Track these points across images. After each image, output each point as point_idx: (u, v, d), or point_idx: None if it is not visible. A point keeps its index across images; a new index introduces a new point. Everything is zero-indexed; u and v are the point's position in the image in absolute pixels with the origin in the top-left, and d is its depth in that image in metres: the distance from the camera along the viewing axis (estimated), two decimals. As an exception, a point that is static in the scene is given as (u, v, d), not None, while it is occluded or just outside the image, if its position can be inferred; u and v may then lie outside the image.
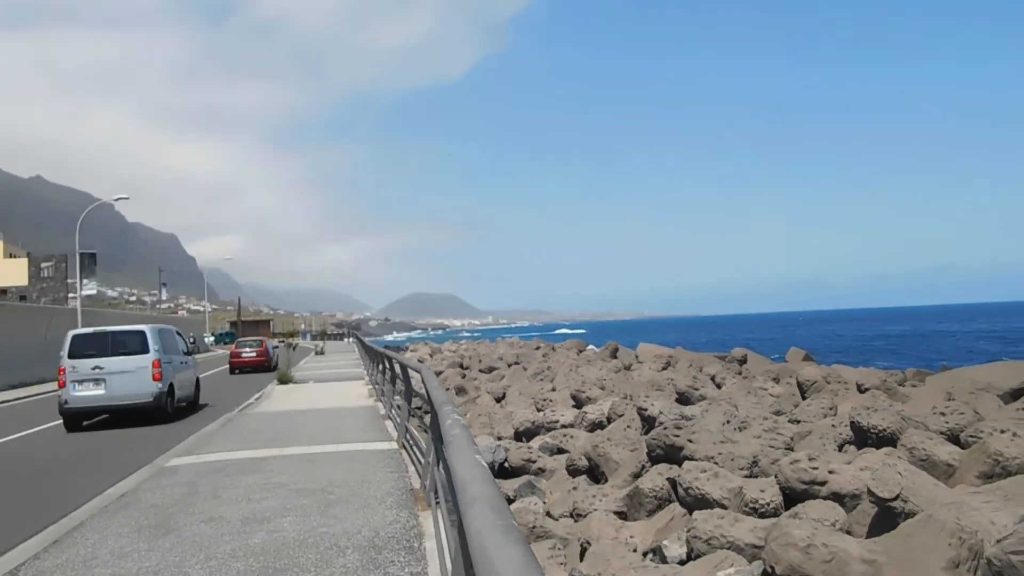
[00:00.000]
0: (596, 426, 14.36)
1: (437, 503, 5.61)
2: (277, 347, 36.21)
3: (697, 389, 16.23)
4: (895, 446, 9.43)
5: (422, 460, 7.64)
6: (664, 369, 23.24)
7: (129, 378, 15.09)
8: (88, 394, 14.93)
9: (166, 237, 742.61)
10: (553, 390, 19.49)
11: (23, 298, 59.70)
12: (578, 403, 17.07)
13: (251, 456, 10.18)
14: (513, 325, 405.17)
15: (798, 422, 12.60)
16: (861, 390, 15.95)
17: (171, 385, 16.01)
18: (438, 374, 23.20)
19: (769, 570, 6.51)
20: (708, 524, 7.38)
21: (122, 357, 15.21)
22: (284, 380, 23.68)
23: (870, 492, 7.37)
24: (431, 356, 44.30)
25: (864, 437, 10.32)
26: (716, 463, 9.50)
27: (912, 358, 48.04)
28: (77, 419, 15.15)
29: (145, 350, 15.38)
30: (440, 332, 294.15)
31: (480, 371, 30.98)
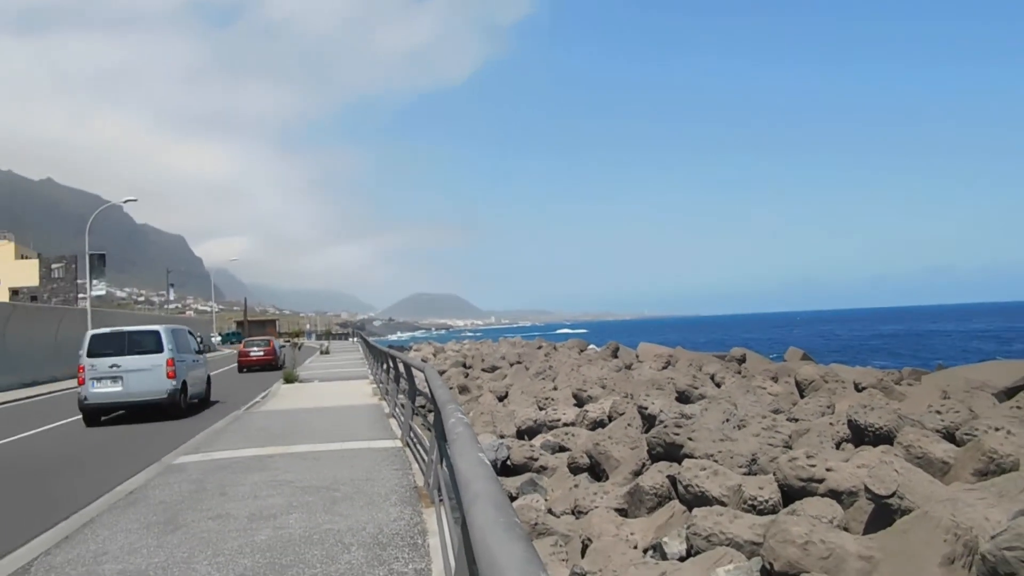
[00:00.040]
0: (597, 424, 14.45)
1: (441, 500, 5.70)
2: (283, 347, 36.38)
3: (697, 388, 16.30)
4: (891, 444, 9.47)
5: (426, 458, 7.71)
6: (664, 368, 23.29)
7: (145, 376, 15.72)
8: (106, 391, 15.58)
9: (174, 238, 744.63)
10: (555, 389, 19.58)
11: (34, 299, 59.99)
12: (579, 402, 17.16)
13: (257, 454, 10.28)
14: (515, 325, 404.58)
15: (796, 420, 12.65)
16: (858, 389, 16.00)
17: (184, 382, 16.63)
18: (441, 373, 23.29)
19: (768, 566, 6.57)
20: (707, 521, 7.44)
21: (138, 356, 15.84)
22: (290, 379, 23.79)
23: (867, 489, 7.43)
24: (434, 355, 44.39)
25: (861, 435, 10.38)
26: (715, 461, 9.56)
27: (908, 357, 48.13)
28: (96, 414, 15.82)
29: (160, 349, 16.01)
30: (443, 332, 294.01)
31: (483, 370, 31.06)
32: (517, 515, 1.96)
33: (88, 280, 41.20)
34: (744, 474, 9.42)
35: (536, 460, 12.15)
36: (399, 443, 10.59)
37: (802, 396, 16.43)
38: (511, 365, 30.26)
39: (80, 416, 15.94)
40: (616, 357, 29.93)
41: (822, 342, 74.02)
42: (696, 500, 8.47)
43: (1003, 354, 40.37)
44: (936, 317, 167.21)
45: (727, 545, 7.17)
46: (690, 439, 10.27)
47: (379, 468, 8.85)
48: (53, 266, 65.30)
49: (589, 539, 8.20)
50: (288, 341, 43.24)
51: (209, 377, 19.62)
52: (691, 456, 9.82)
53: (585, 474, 11.59)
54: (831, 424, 11.32)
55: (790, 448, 10.17)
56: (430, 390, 5.82)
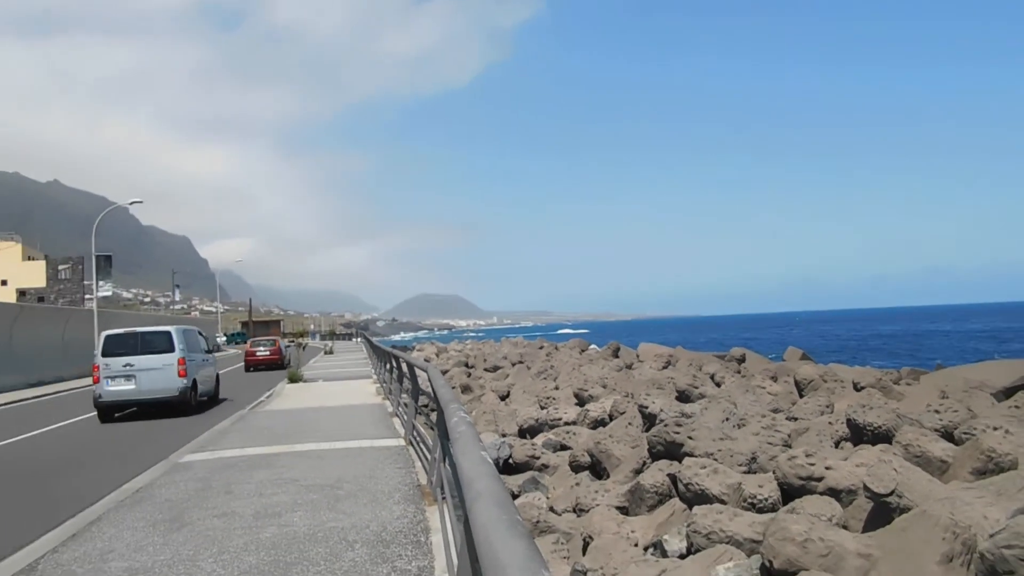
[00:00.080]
0: (598, 423, 14.50)
1: (443, 498, 5.75)
2: (288, 347, 36.64)
3: (697, 387, 16.34)
4: (890, 443, 9.49)
5: (429, 456, 7.78)
6: (664, 368, 23.31)
7: (157, 374, 16.23)
8: (120, 389, 16.09)
9: (179, 240, 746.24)
10: (556, 388, 19.63)
11: (41, 299, 60.25)
12: (581, 401, 17.21)
13: (262, 452, 10.35)
14: (517, 325, 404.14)
15: (795, 419, 12.67)
16: (857, 388, 16.02)
17: (194, 381, 17.15)
18: (444, 373, 23.34)
19: (767, 564, 6.61)
20: (707, 519, 7.48)
21: (151, 355, 16.34)
22: (294, 379, 23.91)
23: (866, 488, 7.46)
24: (437, 355, 44.44)
25: (860, 434, 10.40)
26: (715, 459, 9.60)
27: (907, 357, 48.16)
28: (110, 411, 16.35)
29: (171, 349, 16.49)
30: (446, 332, 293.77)
31: (485, 370, 31.11)
32: (519, 513, 1.97)
33: (95, 281, 41.36)
34: (744, 472, 9.45)
35: (538, 458, 12.20)
36: (402, 442, 10.66)
37: (801, 395, 16.46)
38: (513, 365, 30.31)
39: (87, 415, 16.30)
40: (617, 357, 29.95)
41: (821, 342, 74.10)
42: (696, 498, 8.51)
43: (1001, 354, 40.37)
44: (935, 317, 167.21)
45: (727, 543, 7.21)
46: (690, 438, 10.31)
47: (383, 466, 8.92)
48: (60, 267, 65.64)
49: (590, 537, 8.24)
50: (292, 341, 43.43)
51: (218, 376, 20.16)
52: (691, 455, 9.86)
53: (586, 472, 11.64)
54: (830, 423, 11.35)
55: (789, 447, 10.20)
56: (433, 389, 5.88)
